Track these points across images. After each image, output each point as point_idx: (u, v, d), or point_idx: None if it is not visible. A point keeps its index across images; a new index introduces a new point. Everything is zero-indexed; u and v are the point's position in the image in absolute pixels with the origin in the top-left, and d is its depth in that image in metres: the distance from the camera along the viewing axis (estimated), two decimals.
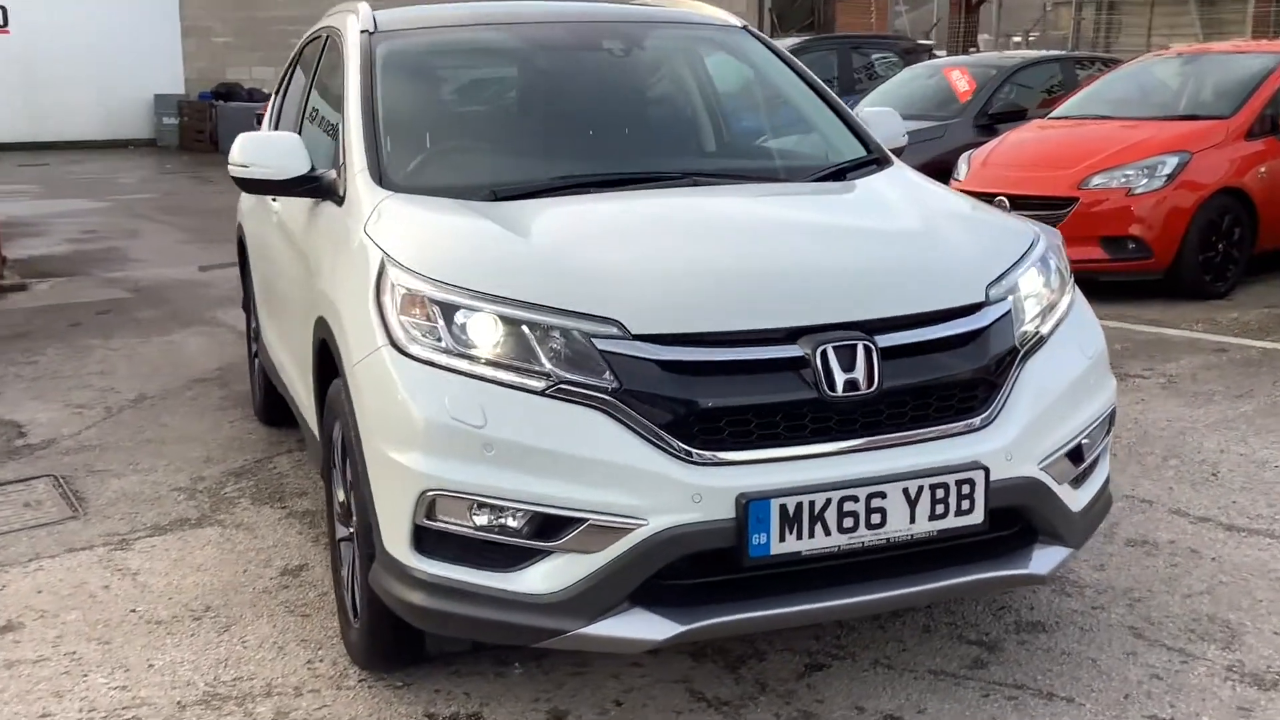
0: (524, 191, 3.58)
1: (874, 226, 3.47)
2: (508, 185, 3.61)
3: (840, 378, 2.84)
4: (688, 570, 2.84)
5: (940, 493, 2.89)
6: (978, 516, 2.93)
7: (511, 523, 2.81)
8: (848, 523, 2.82)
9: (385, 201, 3.49)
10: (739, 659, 3.45)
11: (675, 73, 4.54)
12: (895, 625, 3.64)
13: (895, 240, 3.35)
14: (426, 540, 2.89)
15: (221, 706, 3.29)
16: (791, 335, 2.88)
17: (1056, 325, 3.29)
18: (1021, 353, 3.12)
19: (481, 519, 2.82)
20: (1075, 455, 3.21)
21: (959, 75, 11.37)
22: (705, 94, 4.50)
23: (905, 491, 2.86)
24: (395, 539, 2.91)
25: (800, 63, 4.55)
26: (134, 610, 3.91)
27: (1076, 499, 3.23)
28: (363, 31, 4.21)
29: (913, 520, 2.88)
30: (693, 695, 3.28)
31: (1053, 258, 3.46)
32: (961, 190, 8.48)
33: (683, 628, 2.78)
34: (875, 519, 2.84)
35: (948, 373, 2.98)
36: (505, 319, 2.88)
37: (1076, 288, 3.55)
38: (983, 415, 3.01)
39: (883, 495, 2.84)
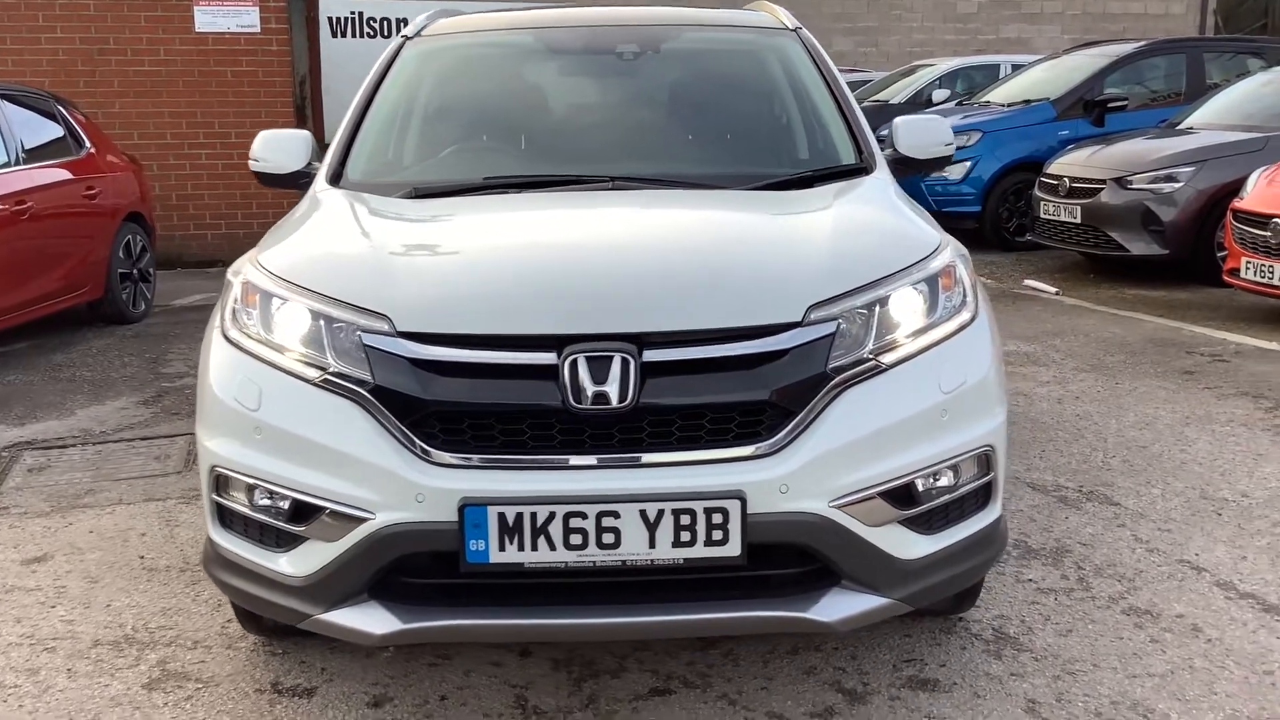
0: (439, 190, 3.69)
1: (737, 240, 3.29)
2: (429, 184, 3.73)
3: (590, 390, 2.75)
4: (430, 570, 2.86)
5: (685, 519, 2.74)
6: (733, 549, 2.75)
7: (274, 505, 2.93)
8: (575, 539, 2.73)
9: (314, 197, 3.71)
10: (594, 672, 3.39)
11: (685, 77, 4.45)
12: (778, 659, 3.44)
13: (739, 254, 3.16)
14: (224, 516, 3.07)
15: (124, 650, 3.62)
16: (558, 343, 2.82)
17: (917, 354, 2.99)
18: (836, 380, 2.87)
19: (253, 499, 2.96)
20: (903, 496, 2.92)
21: None
22: (711, 98, 4.38)
23: (642, 514, 2.73)
24: (207, 512, 3.12)
25: (836, 71, 4.33)
26: (141, 557, 4.34)
27: (909, 545, 2.94)
28: (403, 36, 4.44)
29: (652, 545, 2.74)
30: (516, 701, 3.26)
31: (944, 279, 3.14)
32: (1237, 209, 7.66)
33: (401, 626, 2.80)
34: (607, 539, 2.74)
35: (728, 395, 2.81)
36: (308, 311, 3.00)
37: (984, 310, 3.21)
38: (767, 443, 2.81)
39: (615, 515, 2.73)
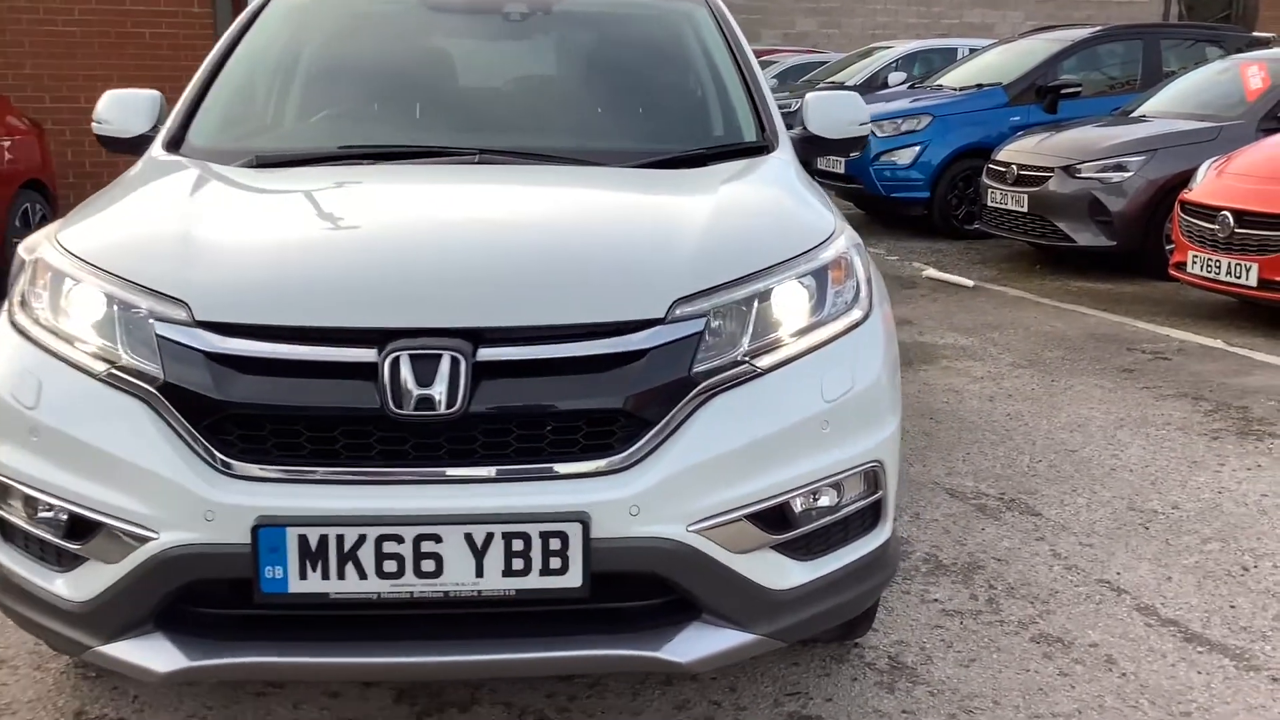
0: (284, 159, 3.30)
1: (602, 224, 2.91)
2: (273, 152, 3.34)
3: (414, 392, 2.38)
4: (227, 598, 2.48)
5: (518, 544, 2.37)
6: (574, 579, 2.39)
7: (54, 518, 2.54)
8: (390, 566, 2.37)
9: (143, 164, 3.31)
10: (440, 705, 3.03)
11: (576, 42, 4.07)
12: (649, 690, 3.09)
13: (601, 241, 2.79)
14: (4, 529, 2.67)
15: None
16: (381, 338, 2.44)
17: (798, 356, 2.64)
18: (702, 386, 2.51)
19: (31, 510, 2.58)
20: (776, 519, 2.57)
21: (1255, 71, 9.85)
22: (602, 66, 4.01)
23: (468, 538, 2.37)
24: None
25: (745, 43, 3.97)
26: None
27: (782, 573, 2.60)
28: None
29: (480, 573, 2.38)
30: None
31: (835, 272, 2.79)
32: (1185, 201, 7.36)
33: (187, 663, 2.43)
34: (427, 566, 2.37)
35: (575, 401, 2.45)
36: (102, 295, 2.60)
37: (879, 308, 2.86)
38: (619, 457, 2.45)
39: (436, 539, 2.36)
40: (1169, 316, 7.81)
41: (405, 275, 2.57)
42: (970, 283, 9.03)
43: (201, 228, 2.76)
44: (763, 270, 2.70)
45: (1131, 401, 5.82)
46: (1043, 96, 11.51)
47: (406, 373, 2.39)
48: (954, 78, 12.59)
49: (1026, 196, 9.55)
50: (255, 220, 2.90)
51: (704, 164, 3.40)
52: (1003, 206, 9.85)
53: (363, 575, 2.37)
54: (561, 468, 2.44)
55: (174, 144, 3.50)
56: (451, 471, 2.42)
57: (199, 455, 2.41)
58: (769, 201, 3.12)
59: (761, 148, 3.53)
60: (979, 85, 11.89)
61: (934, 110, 11.54)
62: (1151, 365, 6.56)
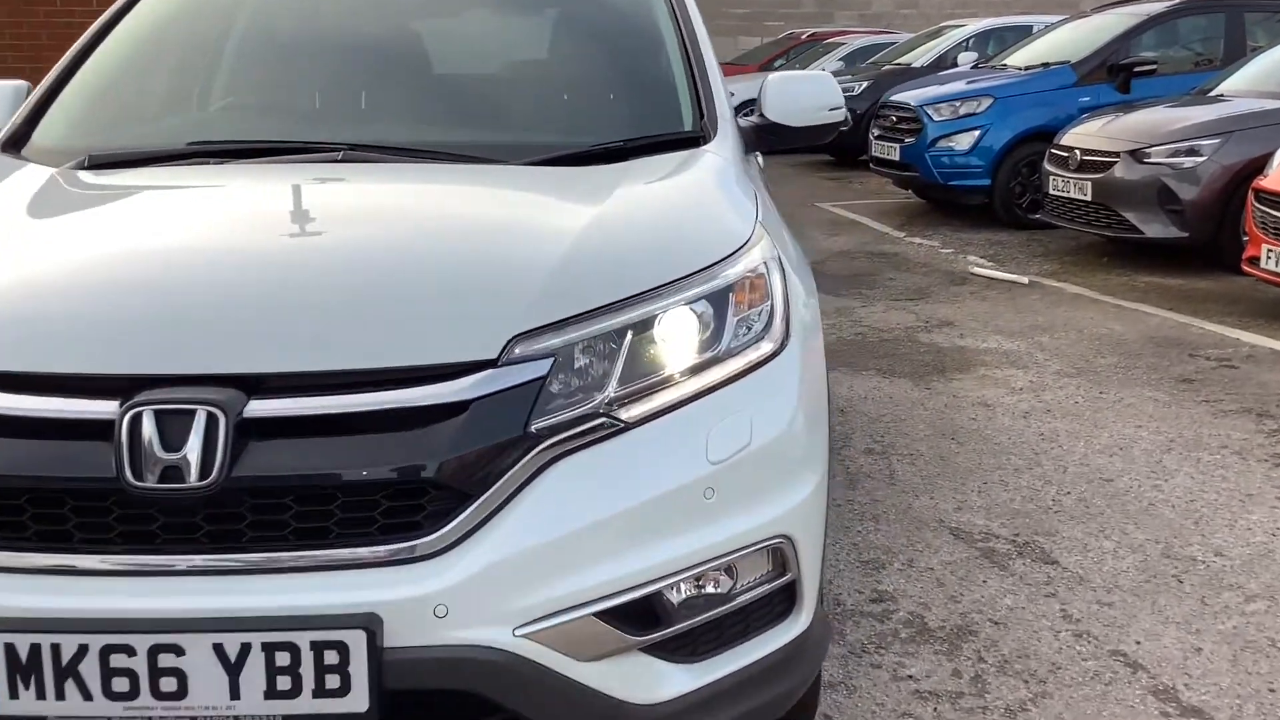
0: (122, 159, 2.80)
1: (443, 242, 2.34)
2: (112, 150, 2.85)
3: (160, 458, 1.85)
4: None
5: (283, 658, 1.84)
6: (357, 701, 1.86)
7: None
8: (120, 685, 1.85)
9: None
10: None
11: (486, 17, 3.51)
12: None
13: (434, 263, 2.23)
14: None
15: None
16: (127, 388, 1.92)
17: (678, 405, 2.07)
18: (544, 446, 1.96)
19: None
20: (641, 615, 2.01)
21: None
22: (516, 45, 3.45)
23: (219, 650, 1.84)
24: None
25: (697, 20, 3.39)
26: None
27: (655, 682, 2.05)
28: None
29: (235, 694, 1.85)
30: None
31: (740, 295, 2.22)
32: (1259, 189, 6.62)
33: None
34: (167, 684, 1.85)
35: (371, 468, 1.90)
36: None
37: (799, 337, 2.28)
38: (426, 540, 1.91)
39: (178, 651, 1.84)
40: (1241, 317, 7.05)
41: (173, 310, 2.05)
42: (1025, 279, 8.32)
43: None
44: (639, 295, 2.14)
45: (1186, 419, 5.13)
46: (1115, 75, 10.71)
47: (150, 433, 1.87)
48: (1020, 57, 11.81)
49: (1090, 184, 8.81)
50: (29, 235, 2.39)
51: (625, 157, 2.83)
52: (1065, 195, 9.11)
53: (87, 696, 1.86)
54: (348, 555, 1.90)
55: (15, 142, 3.01)
56: (203, 561, 1.89)
57: None
58: (672, 206, 2.54)
59: (695, 138, 2.94)
60: (1045, 64, 11.12)
61: (995, 91, 10.80)
62: (1214, 374, 5.84)
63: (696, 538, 2.05)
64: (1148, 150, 8.50)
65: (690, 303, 2.18)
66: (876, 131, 11.82)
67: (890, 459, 4.66)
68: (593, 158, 2.80)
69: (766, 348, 2.23)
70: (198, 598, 1.87)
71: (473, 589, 1.90)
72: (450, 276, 2.15)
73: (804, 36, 21.35)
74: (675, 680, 2.08)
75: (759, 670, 2.17)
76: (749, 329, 2.24)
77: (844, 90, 13.69)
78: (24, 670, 1.85)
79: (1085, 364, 6.10)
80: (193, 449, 1.87)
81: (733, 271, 2.26)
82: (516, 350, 2.00)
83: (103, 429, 1.89)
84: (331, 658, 1.84)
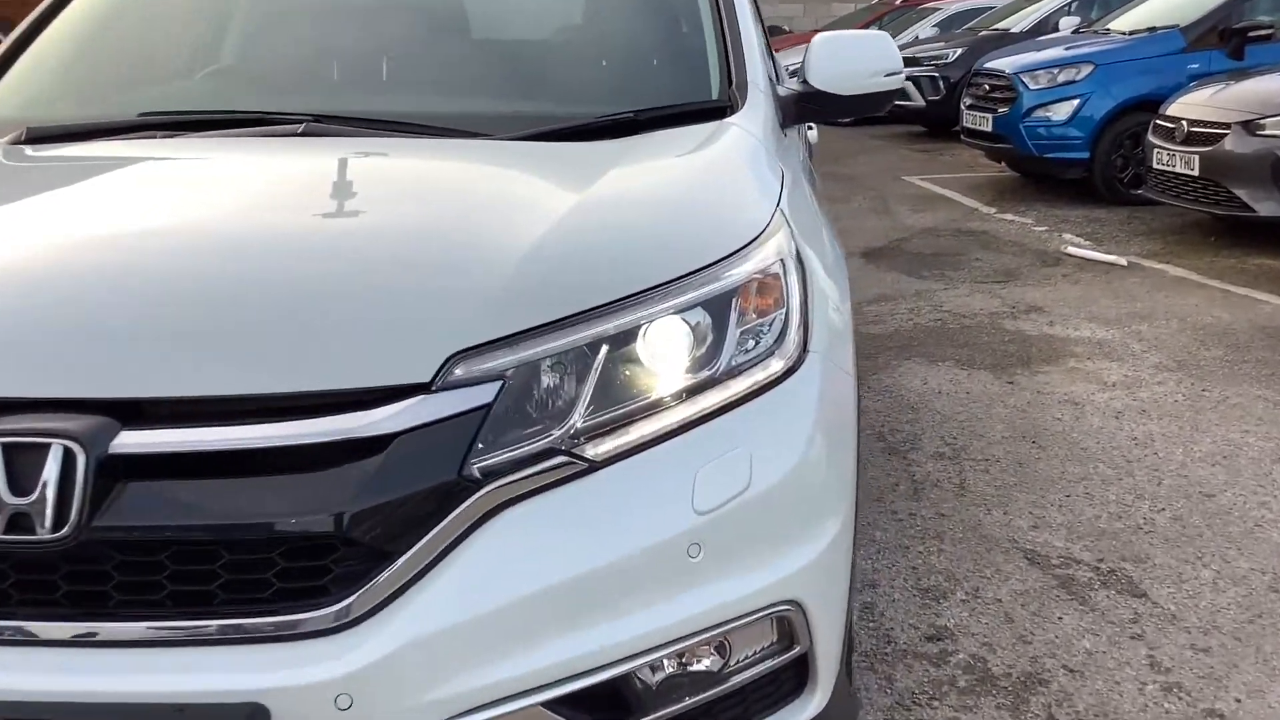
0: (63, 132, 2.45)
1: (387, 234, 1.94)
2: (54, 122, 2.51)
3: (7, 502, 1.50)
4: None
5: None
6: None
7: None
8: None
9: None
10: None
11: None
12: None
13: (372, 263, 1.83)
14: None
15: None
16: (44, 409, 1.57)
17: (658, 439, 1.68)
18: (485, 492, 1.57)
19: None
20: (607, 699, 1.62)
21: None
22: (516, 9, 3.03)
23: None
24: None
25: None
26: None
27: None
28: None
29: None
30: None
31: (745, 300, 1.81)
32: None
33: None
34: None
35: (268, 517, 1.53)
36: None
37: (826, 354, 1.87)
38: (331, 611, 1.53)
39: None
40: None
41: (41, 319, 1.69)
42: (1124, 260, 7.73)
43: None
44: (619, 302, 1.73)
45: None
46: (1227, 41, 9.97)
47: None
48: (1125, 21, 11.10)
49: (1198, 158, 8.15)
50: None
51: (635, 130, 2.42)
52: (1170, 169, 8.46)
53: None
54: (232, 628, 1.53)
55: None
56: (59, 630, 1.53)
57: None
58: (673, 190, 2.13)
59: (721, 109, 2.51)
60: (1151, 29, 10.40)
61: (1096, 58, 10.13)
62: None
63: (678, 607, 1.66)
64: (1262, 121, 7.83)
65: (682, 310, 1.78)
66: (968, 101, 11.21)
67: (962, 465, 4.20)
68: (596, 132, 2.39)
69: (776, 366, 1.82)
70: (48, 676, 1.52)
71: (385, 674, 1.52)
72: (385, 281, 1.76)
73: (898, 1, 20.63)
74: None
75: None
76: (756, 342, 1.83)
77: (937, 57, 13.09)
78: None
79: (1187, 356, 5.56)
80: (48, 490, 1.50)
81: (739, 271, 1.84)
82: (457, 371, 1.62)
83: None
84: None
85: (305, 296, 1.71)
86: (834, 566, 1.84)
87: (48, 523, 1.51)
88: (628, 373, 1.72)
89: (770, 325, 1.86)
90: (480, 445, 1.60)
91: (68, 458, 1.52)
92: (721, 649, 1.72)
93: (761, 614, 1.72)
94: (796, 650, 1.78)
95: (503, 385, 1.63)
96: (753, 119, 2.49)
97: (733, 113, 2.51)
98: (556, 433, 1.65)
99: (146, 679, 1.51)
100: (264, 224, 1.96)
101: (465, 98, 2.64)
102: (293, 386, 1.59)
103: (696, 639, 1.68)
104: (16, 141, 2.46)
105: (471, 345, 1.64)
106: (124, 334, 1.65)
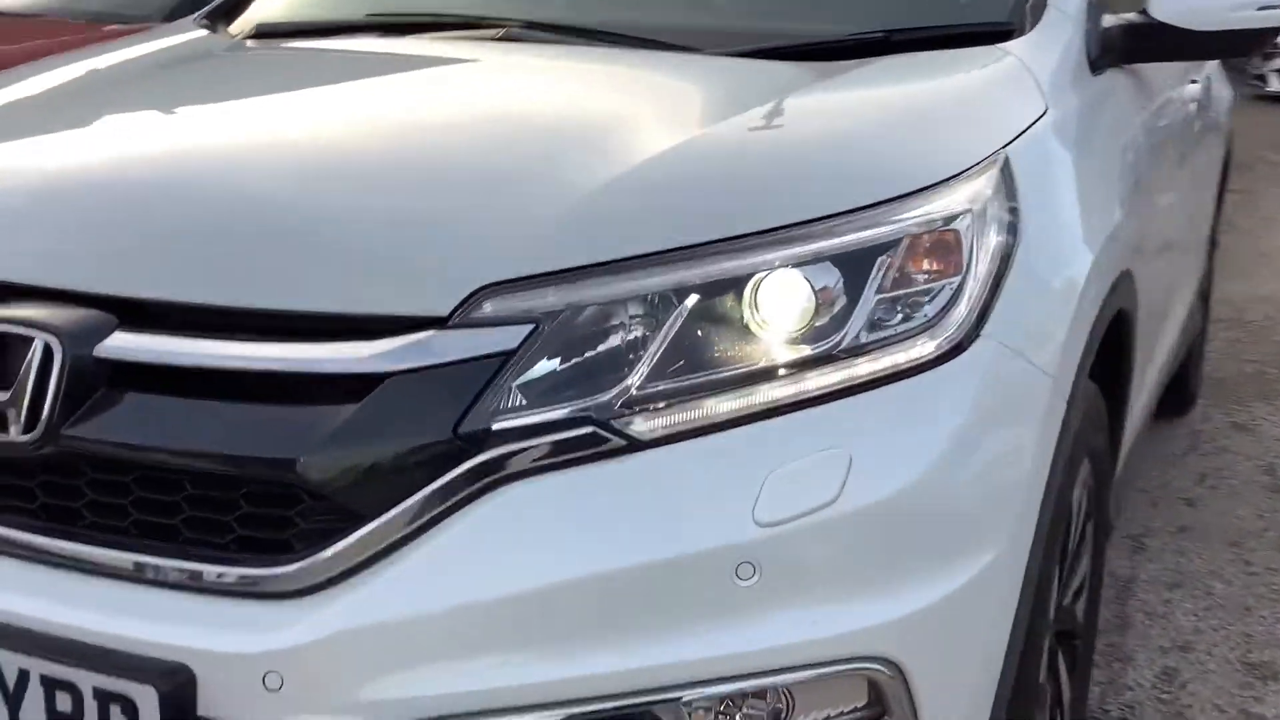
0: (291, 29, 2.38)
1: (486, 151, 1.62)
2: (286, 21, 2.43)
3: None
4: None
5: (63, 702, 1.33)
6: None
7: None
8: None
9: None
10: None
11: None
12: None
13: (449, 180, 1.55)
14: None
15: None
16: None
17: (730, 422, 1.32)
18: (488, 459, 1.28)
19: None
20: None
21: None
22: None
23: None
24: None
25: None
26: None
27: None
28: None
29: None
30: None
31: (896, 261, 1.40)
32: None
33: None
34: None
35: (240, 448, 1.31)
36: None
37: (1001, 340, 1.43)
38: (289, 570, 1.29)
39: None
40: None
41: (89, 213, 1.55)
42: None
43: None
44: (717, 243, 1.36)
45: None
46: None
47: None
48: None
49: None
50: (91, 115, 1.97)
51: (882, 52, 1.99)
52: None
53: None
54: (181, 570, 1.31)
55: (227, 12, 2.64)
56: (20, 539, 1.39)
57: None
58: (856, 119, 1.68)
59: (1002, 32, 2.02)
60: None
61: None
62: None
63: (714, 640, 1.28)
64: None
65: (803, 264, 1.37)
66: None
67: None
68: (831, 52, 1.98)
69: (924, 348, 1.39)
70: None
71: (324, 657, 1.26)
72: (440, 200, 1.49)
73: None
74: None
75: None
76: (907, 315, 1.39)
77: None
78: None
79: None
80: (22, 388, 1.35)
81: (898, 221, 1.42)
82: (485, 308, 1.32)
83: None
84: (117, 717, 1.27)
85: (349, 212, 1.47)
86: (962, 624, 1.38)
87: (21, 422, 1.35)
88: (713, 334, 1.35)
89: (934, 296, 1.42)
90: (490, 401, 1.29)
91: (47, 354, 1.35)
92: (773, 702, 1.32)
93: (830, 669, 1.30)
94: None
95: (534, 330, 1.31)
96: (1040, 47, 1.98)
97: (1018, 37, 2.01)
98: (600, 399, 1.31)
99: (75, 614, 1.33)
100: (377, 135, 1.73)
101: (696, 12, 2.30)
102: (287, 305, 1.35)
103: (733, 684, 1.29)
104: (247, 36, 2.38)
105: (508, 279, 1.33)
106: (144, 231, 1.48)
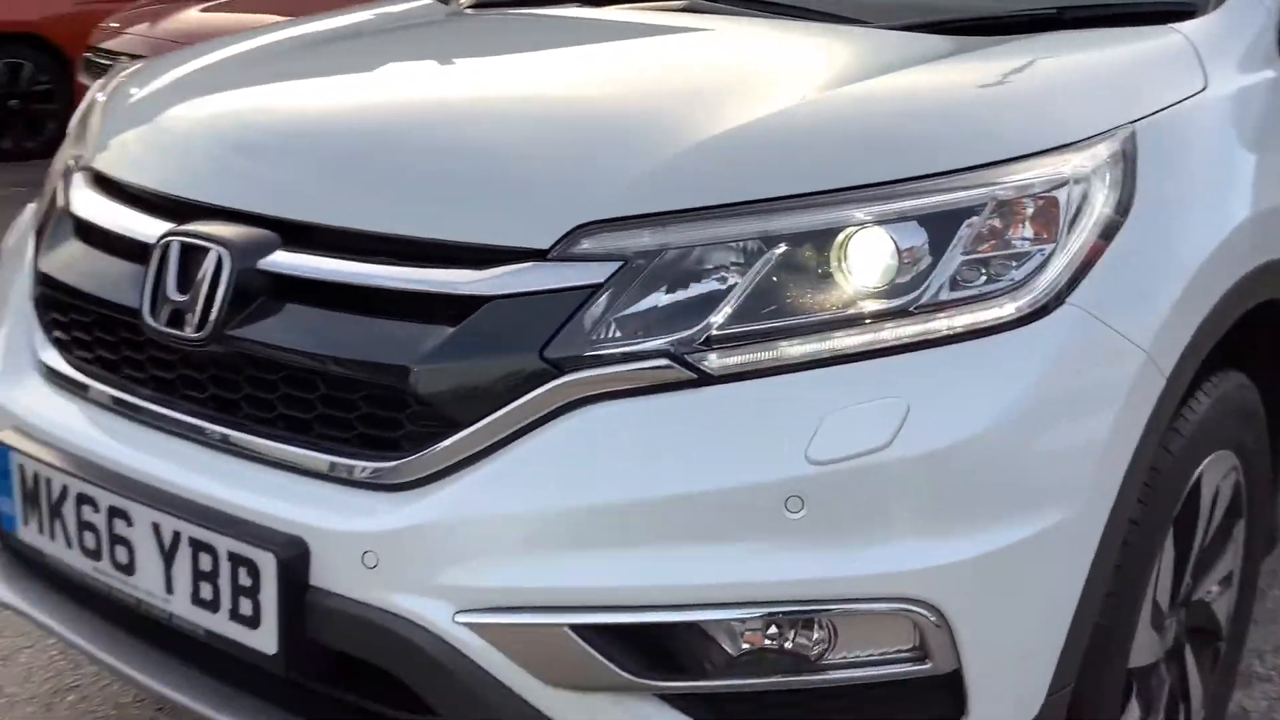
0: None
1: (617, 104, 1.76)
2: None
3: (171, 296, 1.62)
4: None
5: (205, 561, 1.53)
6: (265, 639, 1.49)
7: None
8: (89, 540, 1.66)
9: None
10: None
11: None
12: None
13: (578, 127, 1.68)
14: None
15: None
16: (179, 213, 1.72)
17: (799, 365, 1.42)
18: (567, 381, 1.42)
19: None
20: (657, 647, 1.40)
21: None
22: None
23: (156, 530, 1.57)
24: None
25: None
26: None
27: None
28: None
29: (169, 588, 1.58)
30: None
31: (978, 217, 1.47)
32: None
33: None
34: (121, 555, 1.62)
35: (366, 354, 1.50)
36: None
37: (1076, 307, 1.47)
38: (392, 465, 1.47)
39: (127, 519, 1.60)
40: None
41: (269, 145, 1.77)
42: None
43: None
44: (807, 195, 1.45)
45: None
46: None
47: (172, 267, 1.62)
48: None
49: None
50: (309, 62, 2.22)
51: (1054, 28, 2.01)
52: None
53: (68, 542, 1.68)
54: (309, 459, 1.51)
55: None
56: (186, 422, 1.62)
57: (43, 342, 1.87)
58: (986, 87, 1.70)
59: (1181, 11, 1.98)
60: None
61: None
62: None
63: (761, 565, 1.37)
64: None
65: (888, 220, 1.44)
66: None
67: None
68: (1001, 28, 2.01)
69: (1004, 310, 1.43)
70: (160, 462, 1.60)
71: (413, 543, 1.42)
72: (565, 148, 1.62)
73: None
74: None
75: None
76: (993, 276, 1.44)
77: None
78: (31, 497, 1.72)
79: None
80: (198, 292, 1.58)
81: (991, 185, 1.46)
82: (583, 244, 1.45)
83: (143, 254, 1.68)
84: (245, 578, 1.49)
85: (478, 154, 1.63)
86: (1018, 582, 1.41)
87: (194, 322, 1.58)
88: (795, 284, 1.44)
89: (1024, 261, 1.46)
90: (576, 329, 1.42)
91: (219, 262, 1.57)
92: (818, 631, 1.39)
93: (865, 605, 1.37)
94: (927, 667, 1.40)
95: (622, 267, 1.43)
96: (1217, 27, 1.93)
97: (1198, 16, 1.97)
98: (681, 335, 1.41)
99: (219, 487, 1.53)
100: (519, 85, 1.90)
101: None
102: (416, 232, 1.52)
103: (774, 608, 1.37)
104: (469, 6, 2.59)
105: (605, 218, 1.46)
106: (310, 165, 1.69)
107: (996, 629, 1.41)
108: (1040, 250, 1.47)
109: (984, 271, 1.45)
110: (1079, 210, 1.50)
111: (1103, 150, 1.55)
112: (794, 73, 1.80)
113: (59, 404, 1.76)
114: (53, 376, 1.79)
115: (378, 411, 1.48)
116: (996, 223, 1.46)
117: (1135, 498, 1.53)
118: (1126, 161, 1.57)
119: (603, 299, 1.42)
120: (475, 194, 1.54)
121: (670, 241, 1.44)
